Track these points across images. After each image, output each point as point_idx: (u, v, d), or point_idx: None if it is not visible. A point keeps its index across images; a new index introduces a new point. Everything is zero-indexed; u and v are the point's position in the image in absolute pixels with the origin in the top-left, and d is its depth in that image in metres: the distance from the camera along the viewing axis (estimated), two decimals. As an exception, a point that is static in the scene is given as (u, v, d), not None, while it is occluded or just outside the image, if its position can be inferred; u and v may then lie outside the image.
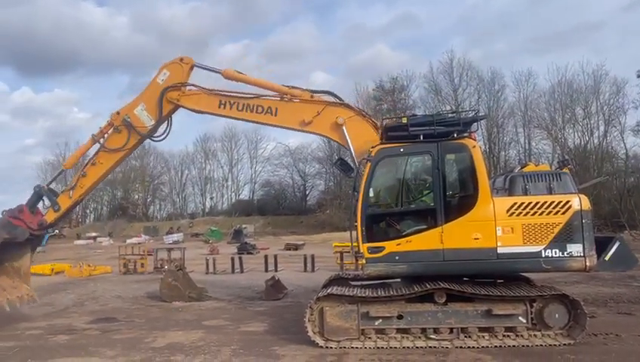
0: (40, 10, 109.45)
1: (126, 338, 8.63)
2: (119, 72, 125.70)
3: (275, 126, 9.98)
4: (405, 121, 8.11)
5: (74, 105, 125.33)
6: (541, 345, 7.24)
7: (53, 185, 10.98)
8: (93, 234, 57.72)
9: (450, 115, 8.57)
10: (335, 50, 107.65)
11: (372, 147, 8.21)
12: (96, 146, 10.34)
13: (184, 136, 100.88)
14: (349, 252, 15.27)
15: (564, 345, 7.22)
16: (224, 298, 12.64)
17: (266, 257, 19.26)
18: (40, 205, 10.48)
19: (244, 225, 51.10)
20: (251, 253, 26.67)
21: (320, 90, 9.60)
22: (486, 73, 55.34)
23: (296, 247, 30.28)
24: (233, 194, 79.28)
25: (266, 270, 17.91)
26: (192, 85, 10.02)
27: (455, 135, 8.03)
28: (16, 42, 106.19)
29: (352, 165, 9.01)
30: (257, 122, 9.82)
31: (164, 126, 10.34)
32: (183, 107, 10.09)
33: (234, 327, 9.29)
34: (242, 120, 10.04)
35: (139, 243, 33.64)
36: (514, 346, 7.23)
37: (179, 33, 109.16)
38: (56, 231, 58.07)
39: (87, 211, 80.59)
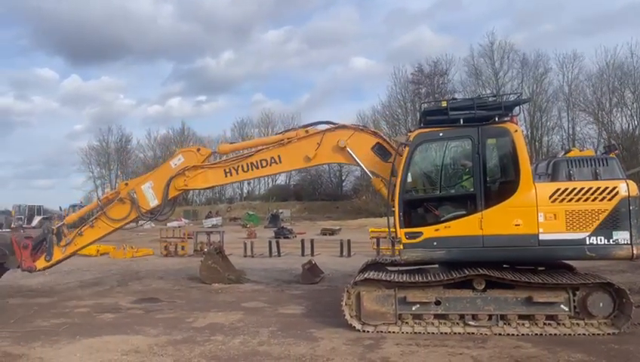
0: (89, 0, 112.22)
1: (168, 318, 8.90)
2: (164, 59, 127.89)
3: (284, 172, 10.18)
4: (445, 105, 7.94)
5: (120, 92, 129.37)
6: (584, 334, 7.08)
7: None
8: (136, 217, 59.42)
9: (491, 99, 8.36)
10: (376, 35, 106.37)
11: (410, 131, 8.10)
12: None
13: (222, 121, 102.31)
14: (385, 237, 15.25)
15: (608, 334, 7.04)
16: (262, 281, 12.84)
17: (302, 241, 19.41)
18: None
19: (280, 210, 51.64)
20: (288, 238, 26.94)
21: (313, 123, 9.72)
22: (529, 56, 53.68)
23: (332, 232, 30.37)
24: (270, 179, 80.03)
25: (303, 254, 18.09)
26: (193, 166, 10.04)
27: (496, 119, 7.85)
28: (67, 32, 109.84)
29: (389, 150, 8.95)
30: (267, 175, 9.95)
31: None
32: (194, 189, 10.37)
33: (272, 309, 9.44)
34: (252, 179, 10.22)
35: (179, 227, 34.40)
36: (555, 334, 7.10)
37: (222, 20, 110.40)
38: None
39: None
